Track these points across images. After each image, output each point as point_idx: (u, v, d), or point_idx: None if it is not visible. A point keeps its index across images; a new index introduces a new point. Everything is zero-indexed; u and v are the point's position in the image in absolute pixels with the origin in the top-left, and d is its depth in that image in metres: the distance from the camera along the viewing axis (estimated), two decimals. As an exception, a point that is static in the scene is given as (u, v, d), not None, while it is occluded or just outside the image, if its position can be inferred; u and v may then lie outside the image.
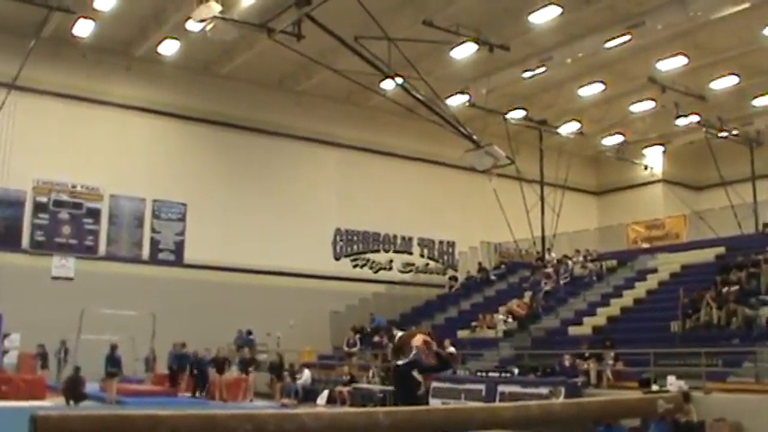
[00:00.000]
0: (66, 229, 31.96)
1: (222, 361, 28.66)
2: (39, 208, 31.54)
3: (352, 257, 38.88)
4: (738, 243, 29.03)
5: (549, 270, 32.80)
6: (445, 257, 41.92)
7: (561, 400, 15.95)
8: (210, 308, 32.49)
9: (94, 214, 32.57)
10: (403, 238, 40.44)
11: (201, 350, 29.12)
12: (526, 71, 32.80)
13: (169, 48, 32.09)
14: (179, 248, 34.23)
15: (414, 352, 7.32)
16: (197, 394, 28.39)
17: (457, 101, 34.29)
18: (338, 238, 38.51)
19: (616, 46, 30.50)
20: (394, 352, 7.77)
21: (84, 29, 30.39)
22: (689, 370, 19.48)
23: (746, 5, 27.37)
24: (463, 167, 34.79)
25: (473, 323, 30.29)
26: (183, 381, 29.25)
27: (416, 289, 39.17)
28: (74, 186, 32.18)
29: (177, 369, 29.26)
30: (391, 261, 40.08)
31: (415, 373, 7.21)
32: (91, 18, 29.70)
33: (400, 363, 7.39)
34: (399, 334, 8.40)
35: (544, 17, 28.87)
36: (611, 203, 46.27)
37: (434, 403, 20.68)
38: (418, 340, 7.37)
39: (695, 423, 13.14)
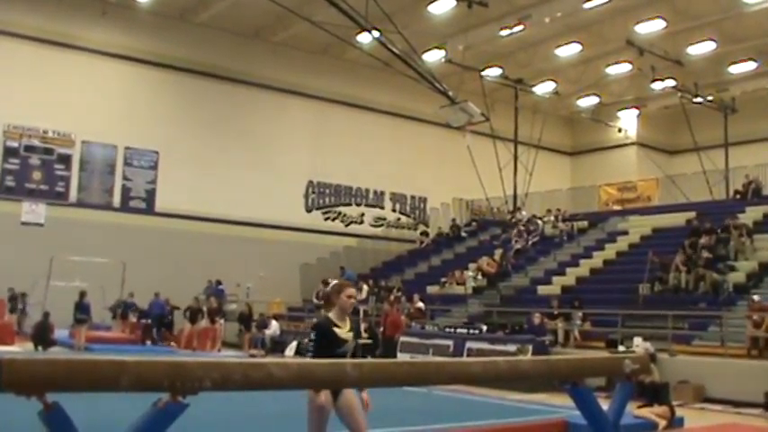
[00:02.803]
0: (37, 175, 31.66)
1: (196, 311, 28.72)
2: (9, 153, 31.20)
3: (323, 210, 38.81)
4: (709, 208, 29.18)
5: (521, 228, 32.92)
6: (417, 213, 41.96)
7: (529, 357, 16.05)
8: (181, 257, 32.42)
9: (66, 160, 32.28)
10: (375, 193, 40.40)
11: (174, 299, 29.35)
12: (504, 29, 32.68)
13: (145, -7, 31.72)
14: (150, 196, 34.01)
15: (335, 308, 6.88)
16: (147, 342, 28.34)
17: (433, 56, 34.12)
18: (310, 190, 38.41)
19: (595, 6, 30.50)
20: (324, 301, 7.29)
21: (58, -29, 29.93)
22: (655, 332, 19.67)
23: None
24: (438, 123, 34.83)
25: (443, 279, 30.37)
26: (126, 328, 29.50)
27: (387, 243, 39.31)
28: (45, 132, 31.84)
29: (120, 314, 29.78)
30: (363, 215, 40.06)
31: (337, 330, 6.77)
32: (66, -40, 29.30)
33: (312, 329, 7.01)
34: (332, 282, 7.81)
35: (524, -25, 28.78)
36: (585, 164, 46.43)
37: (402, 357, 20.79)
38: (345, 296, 6.92)
39: (659, 383, 13.25)
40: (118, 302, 29.71)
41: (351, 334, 6.82)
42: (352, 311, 7.15)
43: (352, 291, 7.05)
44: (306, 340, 6.83)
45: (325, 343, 6.64)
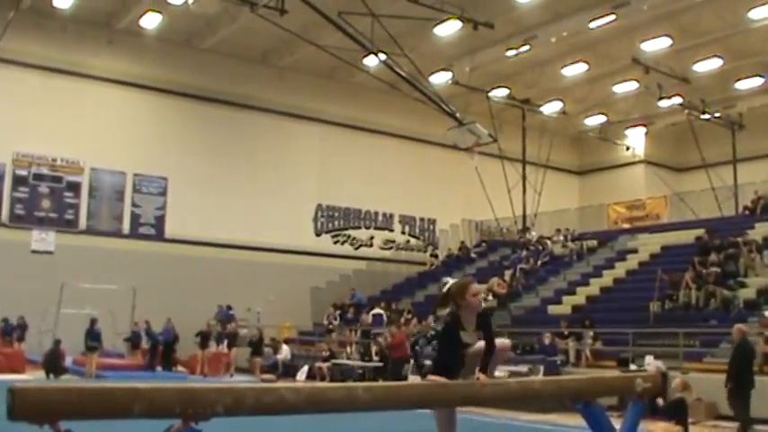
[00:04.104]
0: (47, 203, 31.74)
1: (207, 336, 28.73)
2: (18, 181, 31.29)
3: (333, 234, 38.80)
4: (718, 225, 29.14)
5: (530, 249, 32.88)
6: (426, 235, 41.90)
7: (540, 377, 16.00)
8: (191, 283, 32.36)
9: (75, 188, 32.35)
10: (384, 215, 40.39)
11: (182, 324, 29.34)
12: (510, 49, 32.73)
13: (151, 21, 31.66)
14: (160, 223, 34.07)
15: (463, 310, 6.33)
16: (157, 368, 28.29)
17: (440, 78, 34.21)
18: (319, 214, 38.42)
19: (601, 26, 30.48)
20: (441, 302, 6.58)
21: (64, 0, 30.00)
22: (667, 350, 19.64)
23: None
24: (445, 145, 34.74)
25: (453, 301, 30.23)
26: (137, 354, 29.39)
27: (397, 266, 39.21)
28: (54, 160, 31.93)
29: (131, 344, 29.58)
30: (372, 238, 40.03)
31: (463, 333, 6.31)
32: (72, -11, 29.44)
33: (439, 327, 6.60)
34: (450, 281, 6.89)
35: (529, -4, 28.86)
36: (593, 183, 46.35)
37: (414, 379, 20.71)
38: (470, 296, 6.34)
39: (684, 402, 13.21)
40: (133, 333, 29.55)
41: (474, 335, 6.41)
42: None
43: (476, 287, 6.47)
44: (430, 333, 6.38)
45: (450, 343, 6.36)
